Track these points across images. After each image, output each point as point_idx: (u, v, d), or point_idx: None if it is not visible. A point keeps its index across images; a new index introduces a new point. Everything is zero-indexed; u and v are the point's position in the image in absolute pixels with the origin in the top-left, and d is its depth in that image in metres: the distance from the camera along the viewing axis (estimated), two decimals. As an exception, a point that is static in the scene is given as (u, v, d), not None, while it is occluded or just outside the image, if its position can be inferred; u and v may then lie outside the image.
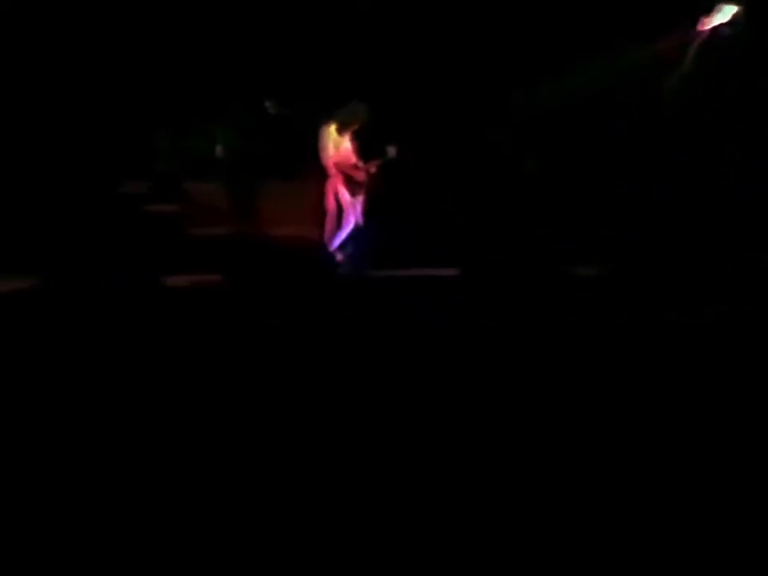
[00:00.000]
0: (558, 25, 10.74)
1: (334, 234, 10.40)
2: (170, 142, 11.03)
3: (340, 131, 10.23)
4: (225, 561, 4.27)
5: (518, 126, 10.89)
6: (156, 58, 10.51)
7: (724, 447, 5.18)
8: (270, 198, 10.77)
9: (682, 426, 5.41)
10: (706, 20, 10.21)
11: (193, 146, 10.99)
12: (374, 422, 5.47)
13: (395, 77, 10.68)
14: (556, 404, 5.61)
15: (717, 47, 10.34)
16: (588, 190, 10.89)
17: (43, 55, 10.31)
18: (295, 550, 4.33)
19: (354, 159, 10.31)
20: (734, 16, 10.32)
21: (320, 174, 10.41)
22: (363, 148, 10.41)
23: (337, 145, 10.27)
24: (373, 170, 10.37)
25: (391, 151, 10.31)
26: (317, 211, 10.49)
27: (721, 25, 10.36)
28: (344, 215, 10.39)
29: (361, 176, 10.33)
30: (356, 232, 10.40)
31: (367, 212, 10.49)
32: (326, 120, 10.32)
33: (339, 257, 10.40)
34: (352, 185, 10.37)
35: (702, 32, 10.35)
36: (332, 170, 10.34)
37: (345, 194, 10.40)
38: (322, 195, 10.42)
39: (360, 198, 10.46)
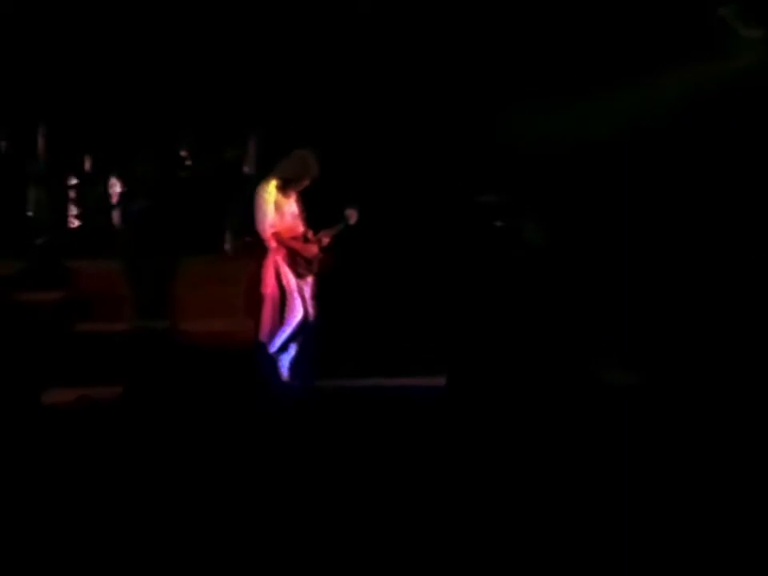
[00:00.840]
0: (565, 56, 9.92)
1: (274, 331, 9.02)
2: (52, 206, 10.42)
3: (283, 190, 8.84)
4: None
5: (515, 181, 9.93)
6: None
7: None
8: (188, 280, 9.90)
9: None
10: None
11: (81, 211, 10.31)
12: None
13: (356, 112, 9.93)
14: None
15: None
16: (608, 264, 9.75)
17: None
18: None
19: (301, 228, 8.99)
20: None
21: (256, 247, 9.26)
22: (314, 212, 9.17)
23: (279, 208, 8.88)
24: (326, 241, 8.99)
25: (352, 216, 8.97)
26: (251, 299, 9.43)
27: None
28: (288, 304, 9.01)
29: (311, 251, 8.93)
30: (304, 327, 8.98)
31: (319, 300, 9.17)
32: (264, 174, 9.11)
33: (281, 362, 9.00)
34: (299, 263, 8.97)
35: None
36: (272, 243, 8.91)
37: (289, 276, 8.96)
38: (258, 277, 9.14)
39: (309, 281, 9.01)
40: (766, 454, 6.48)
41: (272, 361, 8.88)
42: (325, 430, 7.25)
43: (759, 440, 6.74)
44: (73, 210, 10.20)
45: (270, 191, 8.88)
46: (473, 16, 9.87)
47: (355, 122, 9.83)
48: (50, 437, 7.18)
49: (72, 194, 10.19)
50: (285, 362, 9.05)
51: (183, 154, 10.23)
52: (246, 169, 10.15)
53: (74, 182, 10.14)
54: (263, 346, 9.06)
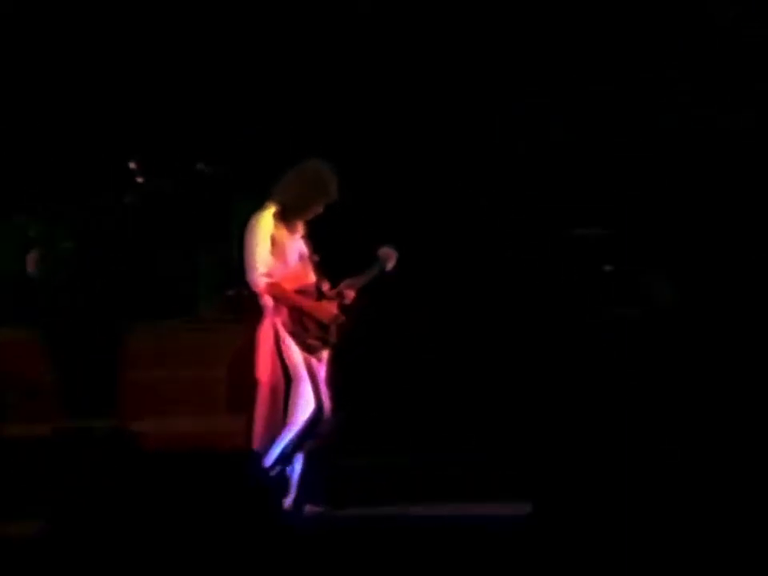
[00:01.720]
0: None
1: (271, 434, 7.62)
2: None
3: (285, 220, 7.50)
4: None
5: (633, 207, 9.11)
6: None
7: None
8: (142, 358, 8.80)
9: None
10: None
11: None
12: None
13: (387, 118, 9.34)
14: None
15: None
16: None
17: None
18: None
19: (312, 277, 7.67)
20: None
21: (244, 307, 8.16)
22: (330, 254, 7.75)
23: (279, 247, 7.52)
24: (351, 296, 7.64)
25: (389, 258, 7.65)
26: (237, 386, 8.36)
27: None
28: (293, 394, 7.55)
29: (327, 311, 7.55)
30: (316, 428, 7.57)
31: (340, 386, 7.74)
32: (256, 199, 7.74)
33: (282, 480, 7.64)
34: (309, 330, 7.53)
35: None
36: (269, 300, 7.53)
37: (294, 350, 7.51)
38: (248, 352, 7.74)
39: (325, 358, 7.60)
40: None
41: (269, 478, 7.45)
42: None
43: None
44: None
45: (265, 223, 7.47)
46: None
47: (382, 126, 9.21)
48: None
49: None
50: (287, 480, 7.65)
51: (132, 165, 8.96)
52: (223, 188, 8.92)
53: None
54: (256, 457, 7.51)
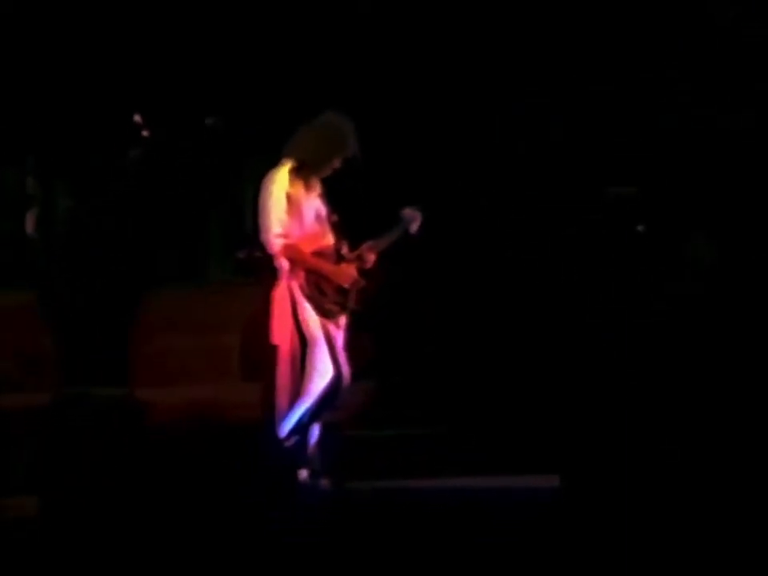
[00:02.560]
0: None
1: (287, 402, 7.25)
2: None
3: (303, 177, 7.18)
4: None
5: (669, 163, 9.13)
6: None
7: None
8: (151, 323, 8.62)
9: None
10: None
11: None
12: None
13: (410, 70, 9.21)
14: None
15: None
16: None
17: None
18: None
19: (331, 238, 7.39)
20: None
21: (258, 270, 7.67)
22: (350, 213, 7.43)
23: (296, 207, 7.20)
24: (372, 260, 7.36)
25: (413, 219, 7.38)
26: (250, 353, 8.30)
27: None
28: (309, 360, 7.24)
29: (347, 274, 7.30)
30: (334, 396, 7.26)
31: (359, 353, 7.48)
32: (273, 156, 7.40)
33: (298, 450, 7.33)
34: (327, 294, 7.26)
35: None
36: (284, 262, 7.22)
37: (311, 314, 7.22)
38: (262, 317, 7.35)
39: (343, 323, 7.35)
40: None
41: (284, 448, 7.27)
42: (361, 553, 6.05)
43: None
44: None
45: (280, 180, 7.18)
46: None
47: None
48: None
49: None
50: (304, 449, 7.39)
51: (137, 118, 8.67)
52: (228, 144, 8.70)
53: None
54: (271, 426, 7.30)
